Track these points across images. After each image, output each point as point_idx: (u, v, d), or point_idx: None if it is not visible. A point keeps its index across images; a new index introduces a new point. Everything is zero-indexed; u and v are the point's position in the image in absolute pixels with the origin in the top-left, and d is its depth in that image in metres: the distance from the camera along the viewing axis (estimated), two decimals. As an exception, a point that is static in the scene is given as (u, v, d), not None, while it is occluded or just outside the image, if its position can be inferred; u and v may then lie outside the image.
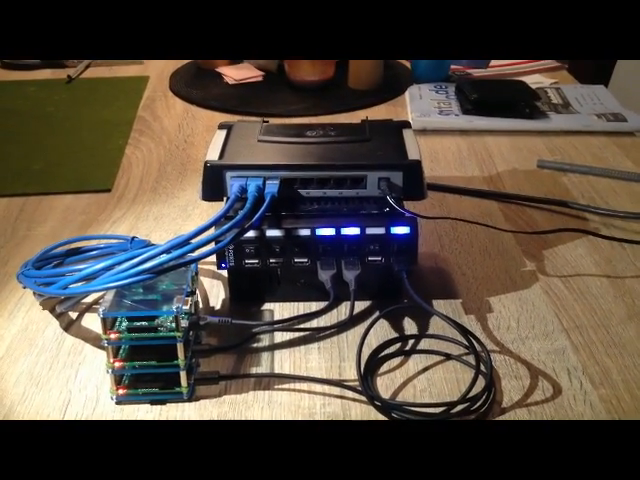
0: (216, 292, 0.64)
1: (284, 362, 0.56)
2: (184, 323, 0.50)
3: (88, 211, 0.79)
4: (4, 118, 1.03)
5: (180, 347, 0.51)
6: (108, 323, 0.50)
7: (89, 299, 0.63)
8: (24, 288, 0.61)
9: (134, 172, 0.88)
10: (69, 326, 0.60)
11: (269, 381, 0.54)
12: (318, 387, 0.53)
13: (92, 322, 0.61)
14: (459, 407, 0.50)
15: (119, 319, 0.52)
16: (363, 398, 0.52)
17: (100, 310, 0.49)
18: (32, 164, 0.89)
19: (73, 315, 0.62)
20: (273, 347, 0.57)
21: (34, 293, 0.63)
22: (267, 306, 0.62)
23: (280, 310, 0.61)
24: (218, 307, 0.62)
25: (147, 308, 0.51)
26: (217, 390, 0.53)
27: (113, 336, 0.50)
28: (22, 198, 0.81)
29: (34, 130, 0.99)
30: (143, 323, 0.51)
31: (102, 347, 0.58)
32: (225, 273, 0.65)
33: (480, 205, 0.78)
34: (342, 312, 0.61)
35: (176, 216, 0.77)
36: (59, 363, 0.56)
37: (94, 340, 0.58)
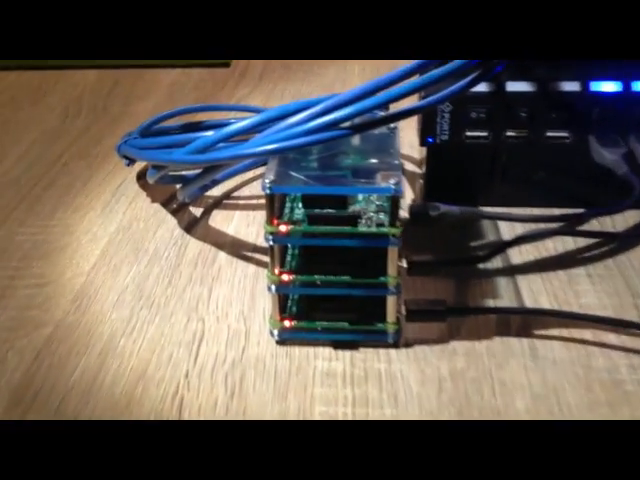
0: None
1: (538, 294, 0.35)
2: (403, 213, 0.30)
3: (202, 87, 0.59)
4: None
5: (393, 254, 0.30)
6: (275, 207, 0.30)
7: (218, 190, 0.43)
8: (128, 165, 0.41)
9: (257, 48, 0.68)
10: (192, 226, 0.41)
11: (523, 322, 0.33)
12: (611, 336, 0.32)
13: (224, 222, 0.41)
14: None
15: (288, 205, 0.32)
16: (703, 359, 0.30)
17: (265, 183, 0.29)
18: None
19: (196, 211, 0.42)
20: (512, 270, 0.36)
21: (140, 178, 0.44)
22: (479, 213, 0.41)
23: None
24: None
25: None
26: (438, 331, 0.33)
27: (284, 228, 0.30)
28: (115, 71, 0.62)
29: None
30: (330, 211, 0.31)
31: (245, 257, 0.38)
32: (413, 158, 0.44)
33: None
34: (606, 223, 0.39)
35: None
36: (181, 277, 0.36)
37: (231, 247, 0.39)
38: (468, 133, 0.37)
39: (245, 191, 0.44)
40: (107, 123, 0.52)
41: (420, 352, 0.31)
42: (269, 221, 0.30)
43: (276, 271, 0.31)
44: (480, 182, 0.40)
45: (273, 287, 0.31)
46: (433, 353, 0.31)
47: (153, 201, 0.43)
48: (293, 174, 0.30)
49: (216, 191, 0.43)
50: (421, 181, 0.42)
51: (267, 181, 0.29)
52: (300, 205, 0.31)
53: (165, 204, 0.42)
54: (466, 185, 0.40)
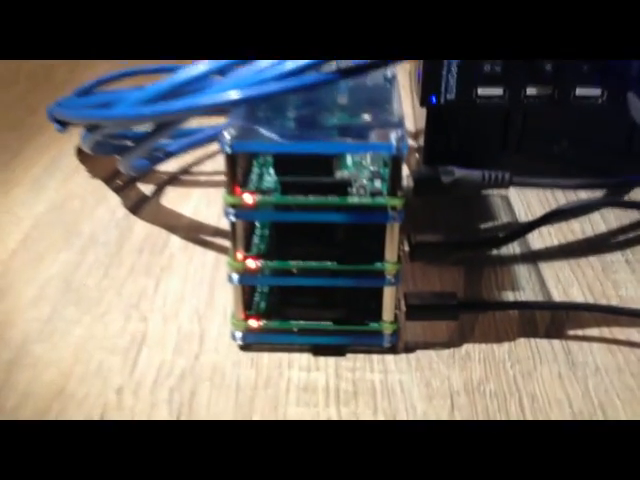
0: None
1: (568, 285, 0.28)
2: (409, 179, 0.23)
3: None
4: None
5: (393, 233, 0.24)
6: (239, 172, 0.23)
7: (175, 164, 0.36)
8: (61, 130, 0.34)
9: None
10: (140, 205, 0.33)
11: (552, 319, 0.27)
12: (663, 337, 0.26)
13: (181, 200, 0.33)
14: None
15: (256, 171, 0.25)
16: None
17: (225, 139, 0.22)
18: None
19: (146, 188, 0.35)
20: (533, 256, 0.30)
21: (81, 151, 0.36)
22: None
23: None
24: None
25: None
26: (447, 332, 0.26)
27: (249, 199, 0.23)
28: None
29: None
30: (309, 179, 0.24)
31: (203, 242, 0.31)
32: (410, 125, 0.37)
33: None
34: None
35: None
36: (122, 266, 0.29)
37: (187, 230, 0.32)
38: (480, 91, 0.30)
39: (207, 165, 0.36)
40: (47, 92, 0.44)
41: (425, 359, 0.24)
42: (230, 190, 0.23)
43: (239, 256, 0.24)
44: (489, 153, 0.33)
45: (235, 276, 0.24)
46: (441, 360, 0.24)
47: (94, 176, 0.35)
48: (262, 130, 0.23)
49: (172, 165, 0.36)
50: (417, 155, 0.35)
51: (227, 136, 0.22)
52: (271, 171, 0.24)
53: (108, 180, 0.35)
54: (472, 156, 0.33)
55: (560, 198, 0.33)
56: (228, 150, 0.22)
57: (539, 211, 0.32)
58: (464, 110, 0.31)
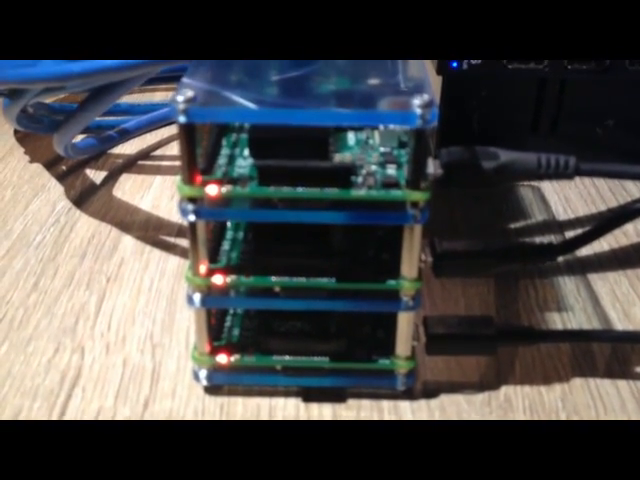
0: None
1: (628, 305, 0.21)
2: (435, 163, 0.17)
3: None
4: None
5: (414, 238, 0.18)
6: (199, 153, 0.17)
7: (132, 146, 0.30)
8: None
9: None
10: (86, 197, 0.27)
11: (614, 352, 0.21)
12: None
13: (137, 191, 0.26)
14: None
15: (225, 153, 0.19)
16: None
17: (177, 102, 0.16)
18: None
19: (96, 175, 0.29)
20: (582, 268, 0.24)
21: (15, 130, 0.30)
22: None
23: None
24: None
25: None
26: (478, 370, 0.20)
27: (214, 191, 0.17)
28: None
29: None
30: (297, 164, 0.18)
31: (163, 245, 0.25)
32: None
33: None
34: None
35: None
36: (57, 276, 0.23)
37: (143, 229, 0.25)
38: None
39: (173, 148, 0.30)
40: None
41: (452, 407, 0.18)
42: (187, 177, 0.17)
43: (202, 268, 0.18)
44: (516, 132, 0.27)
45: (197, 297, 0.18)
46: (474, 408, 0.18)
47: (33, 160, 0.29)
48: (233, 96, 0.17)
49: (129, 147, 0.29)
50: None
51: (181, 99, 0.16)
52: (246, 153, 0.18)
53: (50, 165, 0.28)
54: (494, 136, 0.27)
55: (604, 190, 0.27)
56: (182, 119, 0.15)
57: (581, 207, 0.26)
58: (490, 78, 0.25)
